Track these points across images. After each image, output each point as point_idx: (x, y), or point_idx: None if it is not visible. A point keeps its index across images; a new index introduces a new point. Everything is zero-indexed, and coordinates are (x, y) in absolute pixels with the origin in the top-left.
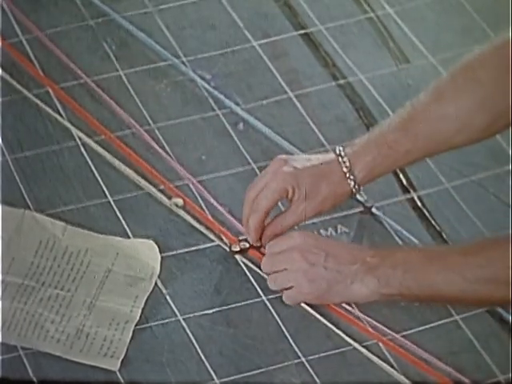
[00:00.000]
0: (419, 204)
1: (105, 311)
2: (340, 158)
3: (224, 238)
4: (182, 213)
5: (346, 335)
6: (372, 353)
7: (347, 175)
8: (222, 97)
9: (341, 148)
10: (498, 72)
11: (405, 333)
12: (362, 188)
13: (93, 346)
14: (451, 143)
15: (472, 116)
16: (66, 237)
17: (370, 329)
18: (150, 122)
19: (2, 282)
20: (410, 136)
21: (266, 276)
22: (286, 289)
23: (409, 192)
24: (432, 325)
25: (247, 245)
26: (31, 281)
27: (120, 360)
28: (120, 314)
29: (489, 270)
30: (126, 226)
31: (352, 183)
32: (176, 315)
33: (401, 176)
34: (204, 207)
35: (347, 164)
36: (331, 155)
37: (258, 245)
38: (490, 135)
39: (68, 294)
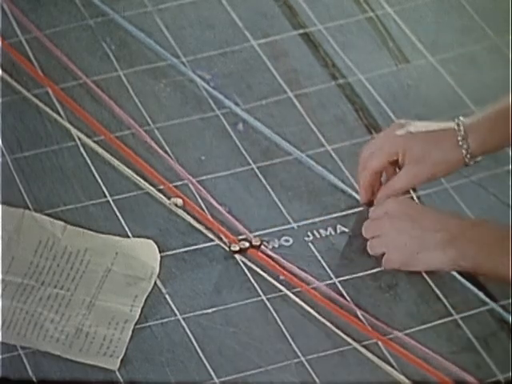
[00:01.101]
0: None
1: (104, 310)
2: (456, 126)
3: (223, 237)
4: (181, 213)
5: (346, 334)
6: (371, 352)
7: (460, 143)
8: (221, 97)
9: (461, 117)
10: None
11: (404, 332)
12: (477, 159)
13: (92, 345)
14: None
15: None
16: (66, 236)
17: (370, 328)
18: (150, 122)
19: (2, 281)
20: None
21: (266, 276)
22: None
23: (409, 192)
24: (432, 324)
25: (247, 244)
26: (31, 280)
27: (119, 359)
28: (119, 313)
29: None
30: (125, 226)
31: (464, 152)
32: (175, 315)
33: None
34: (203, 207)
35: (462, 132)
36: (449, 123)
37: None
38: None
39: (67, 294)
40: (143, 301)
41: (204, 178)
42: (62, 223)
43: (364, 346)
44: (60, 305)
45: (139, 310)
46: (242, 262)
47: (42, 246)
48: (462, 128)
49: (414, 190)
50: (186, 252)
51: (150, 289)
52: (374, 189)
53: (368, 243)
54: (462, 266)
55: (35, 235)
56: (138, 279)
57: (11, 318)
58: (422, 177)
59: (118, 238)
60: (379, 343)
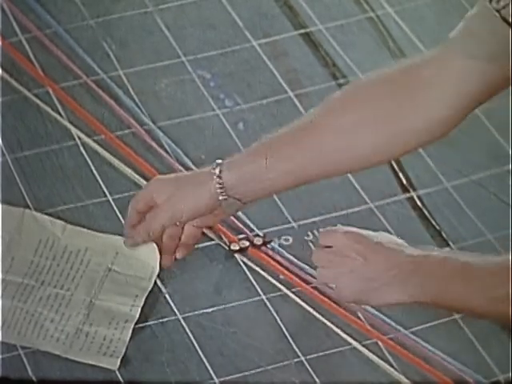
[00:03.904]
0: (419, 204)
1: (104, 310)
2: (214, 165)
3: (223, 237)
4: None
5: (346, 334)
6: (372, 352)
7: (214, 176)
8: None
9: (220, 160)
10: (384, 94)
11: (405, 332)
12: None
13: (92, 345)
14: (340, 163)
15: (358, 134)
16: (66, 236)
17: (370, 328)
18: (150, 121)
19: (2, 281)
20: (298, 147)
21: (266, 275)
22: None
23: (409, 191)
24: (432, 324)
25: (247, 244)
26: (31, 280)
27: (119, 359)
28: (119, 313)
29: None
30: None
31: (221, 193)
32: (175, 314)
33: (400, 175)
34: None
35: (217, 172)
36: (208, 167)
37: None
38: (386, 158)
39: (68, 293)
40: (143, 300)
41: None
42: (62, 222)
43: (364, 346)
44: (60, 304)
45: (139, 310)
46: (242, 261)
47: (42, 245)
48: (217, 169)
49: (415, 189)
50: None
51: (150, 288)
52: None
53: (318, 270)
54: (419, 302)
55: (35, 235)
56: (138, 279)
57: (11, 318)
58: (178, 215)
59: (118, 237)
60: (379, 343)
